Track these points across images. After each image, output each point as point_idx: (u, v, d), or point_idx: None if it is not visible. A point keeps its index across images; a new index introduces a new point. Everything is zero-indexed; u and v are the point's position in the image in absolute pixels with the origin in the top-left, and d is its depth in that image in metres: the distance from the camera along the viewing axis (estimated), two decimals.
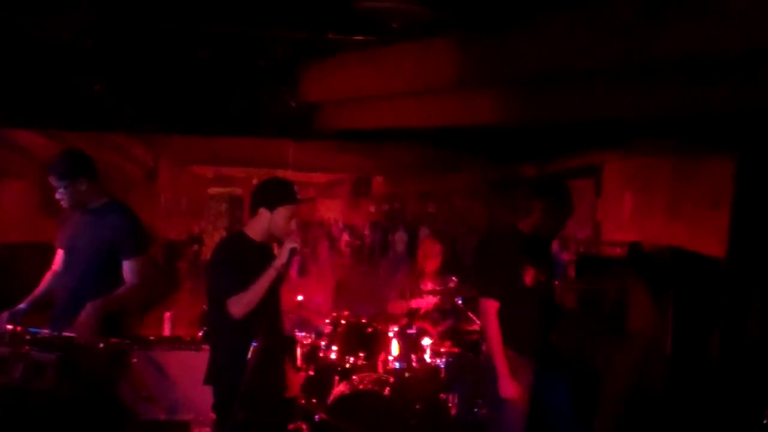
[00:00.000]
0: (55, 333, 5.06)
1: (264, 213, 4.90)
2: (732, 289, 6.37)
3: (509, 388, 5.57)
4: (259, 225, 4.92)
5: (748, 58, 4.42)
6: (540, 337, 5.82)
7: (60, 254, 5.92)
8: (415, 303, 7.72)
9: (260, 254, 4.88)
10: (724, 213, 6.45)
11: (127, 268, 5.67)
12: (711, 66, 4.67)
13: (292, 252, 4.71)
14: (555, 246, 9.46)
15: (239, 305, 4.63)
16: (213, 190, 9.77)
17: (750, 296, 6.27)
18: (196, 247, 9.68)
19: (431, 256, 7.99)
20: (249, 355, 4.52)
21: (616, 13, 4.56)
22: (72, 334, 5.10)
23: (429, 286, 7.77)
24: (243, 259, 4.80)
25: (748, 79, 4.66)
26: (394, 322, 7.50)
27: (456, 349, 7.35)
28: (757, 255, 6.29)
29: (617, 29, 4.58)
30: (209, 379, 5.00)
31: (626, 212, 8.30)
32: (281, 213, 4.90)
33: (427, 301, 7.64)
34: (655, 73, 5.04)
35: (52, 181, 5.65)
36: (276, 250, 4.99)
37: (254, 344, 4.53)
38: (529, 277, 5.71)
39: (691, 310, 6.63)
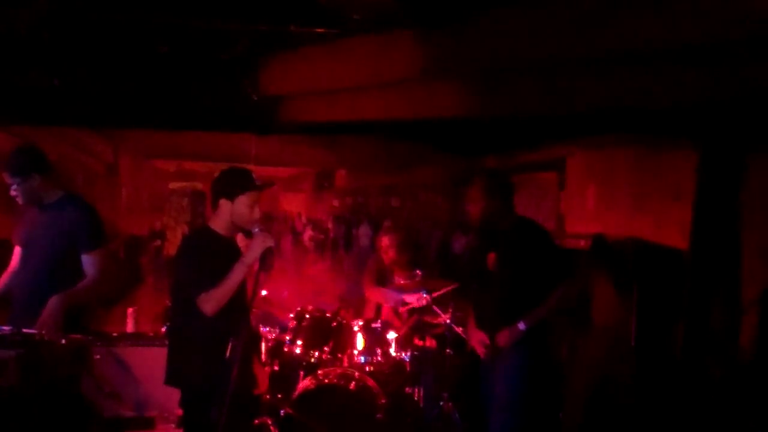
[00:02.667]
0: (16, 330, 5.00)
1: (225, 204, 4.80)
2: (695, 280, 6.41)
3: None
4: (222, 217, 4.83)
5: (707, 51, 4.46)
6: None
7: (17, 251, 5.85)
8: (408, 298, 7.71)
9: (227, 249, 4.81)
10: (687, 205, 6.50)
11: (87, 261, 5.63)
12: (671, 58, 4.70)
13: (269, 251, 4.64)
14: None
15: (210, 302, 4.54)
16: (174, 185, 9.69)
17: (713, 287, 6.31)
18: (158, 242, 9.60)
19: (383, 249, 8.00)
20: (228, 353, 4.45)
21: (576, 4, 4.57)
22: (33, 331, 5.04)
23: (401, 281, 7.75)
24: (211, 254, 4.71)
25: (708, 72, 4.70)
26: (371, 307, 7.55)
27: (421, 343, 7.34)
28: (719, 246, 6.33)
29: (578, 21, 4.60)
30: (173, 379, 4.89)
31: (590, 205, 8.33)
32: (242, 202, 4.80)
33: (419, 299, 7.61)
34: (616, 65, 5.07)
35: (6, 177, 5.60)
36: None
37: (231, 341, 4.46)
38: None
39: (655, 302, 6.67)
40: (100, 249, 5.72)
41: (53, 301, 5.36)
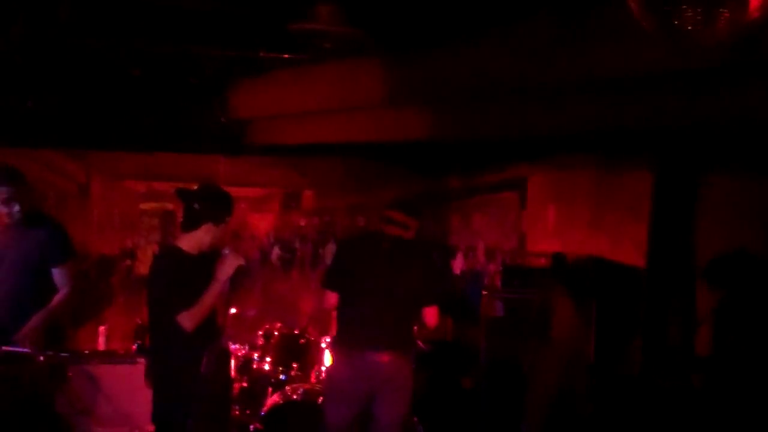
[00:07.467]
0: None
1: (210, 228, 4.88)
2: (652, 296, 6.55)
3: None
4: (200, 239, 4.89)
5: (660, 79, 4.63)
6: None
7: None
8: None
9: (200, 268, 4.91)
10: (643, 224, 6.64)
11: (59, 274, 5.73)
12: (625, 85, 4.86)
13: (240, 270, 4.78)
14: (481, 257, 9.68)
15: (192, 320, 4.65)
16: (145, 205, 9.78)
17: (668, 303, 6.47)
18: (129, 261, 9.68)
19: None
20: (203, 366, 4.59)
21: (535, 34, 4.70)
22: (12, 348, 5.12)
23: None
24: (187, 274, 4.81)
25: (662, 98, 4.87)
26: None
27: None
28: (675, 264, 6.49)
29: (536, 50, 4.71)
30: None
31: (550, 224, 8.50)
32: (225, 226, 4.94)
33: None
34: (573, 92, 5.21)
35: (10, 194, 5.65)
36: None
37: (206, 355, 4.60)
38: None
39: (613, 318, 6.82)
40: (71, 261, 5.84)
41: (35, 318, 5.47)
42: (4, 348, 5.06)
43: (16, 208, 5.65)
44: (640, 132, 5.88)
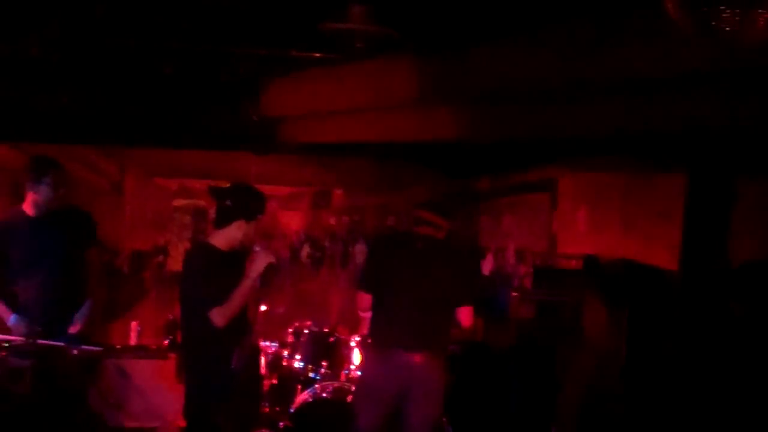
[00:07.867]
0: (30, 340, 5.14)
1: (242, 225, 4.94)
2: (684, 300, 6.53)
3: None
4: (231, 235, 4.95)
5: (693, 80, 4.61)
6: None
7: None
8: None
9: (231, 264, 4.97)
10: (676, 227, 6.62)
11: (92, 255, 5.95)
12: (659, 87, 4.84)
13: (271, 268, 4.83)
14: (511, 258, 9.67)
15: (223, 316, 4.71)
16: (178, 202, 9.87)
17: (701, 307, 6.44)
18: (161, 257, 9.76)
19: None
20: (234, 362, 4.64)
21: (570, 35, 4.70)
22: (46, 342, 5.17)
23: None
24: (219, 270, 4.87)
25: (694, 100, 4.85)
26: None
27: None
28: (707, 267, 6.46)
29: (571, 51, 4.71)
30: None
31: (581, 226, 8.47)
32: (256, 224, 5.00)
33: None
34: (606, 93, 5.20)
35: (57, 177, 5.79)
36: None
37: (237, 351, 4.65)
38: None
39: (645, 320, 6.80)
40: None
41: (83, 311, 5.61)
42: (38, 341, 5.11)
43: (62, 192, 5.82)
44: (674, 134, 5.85)
